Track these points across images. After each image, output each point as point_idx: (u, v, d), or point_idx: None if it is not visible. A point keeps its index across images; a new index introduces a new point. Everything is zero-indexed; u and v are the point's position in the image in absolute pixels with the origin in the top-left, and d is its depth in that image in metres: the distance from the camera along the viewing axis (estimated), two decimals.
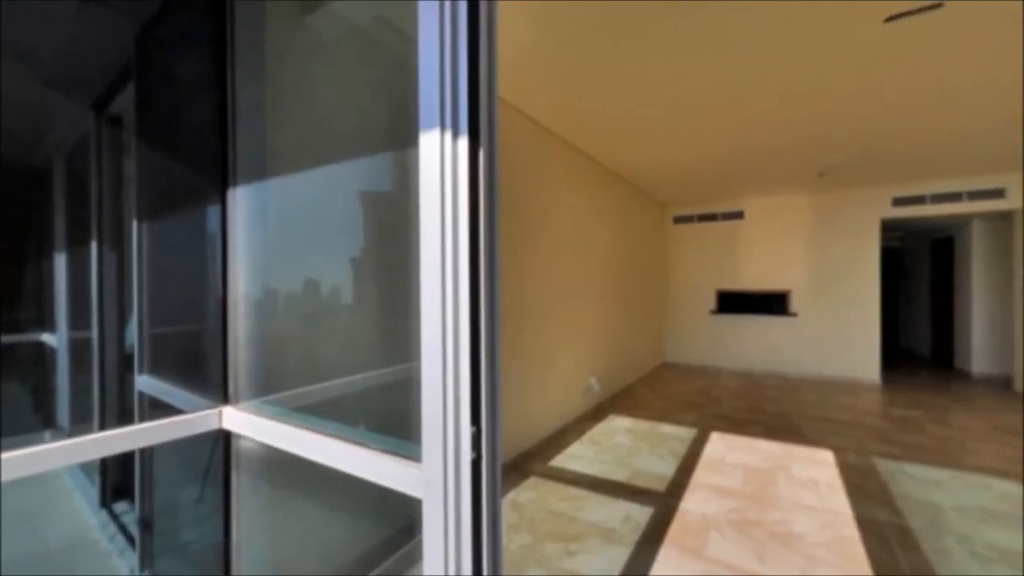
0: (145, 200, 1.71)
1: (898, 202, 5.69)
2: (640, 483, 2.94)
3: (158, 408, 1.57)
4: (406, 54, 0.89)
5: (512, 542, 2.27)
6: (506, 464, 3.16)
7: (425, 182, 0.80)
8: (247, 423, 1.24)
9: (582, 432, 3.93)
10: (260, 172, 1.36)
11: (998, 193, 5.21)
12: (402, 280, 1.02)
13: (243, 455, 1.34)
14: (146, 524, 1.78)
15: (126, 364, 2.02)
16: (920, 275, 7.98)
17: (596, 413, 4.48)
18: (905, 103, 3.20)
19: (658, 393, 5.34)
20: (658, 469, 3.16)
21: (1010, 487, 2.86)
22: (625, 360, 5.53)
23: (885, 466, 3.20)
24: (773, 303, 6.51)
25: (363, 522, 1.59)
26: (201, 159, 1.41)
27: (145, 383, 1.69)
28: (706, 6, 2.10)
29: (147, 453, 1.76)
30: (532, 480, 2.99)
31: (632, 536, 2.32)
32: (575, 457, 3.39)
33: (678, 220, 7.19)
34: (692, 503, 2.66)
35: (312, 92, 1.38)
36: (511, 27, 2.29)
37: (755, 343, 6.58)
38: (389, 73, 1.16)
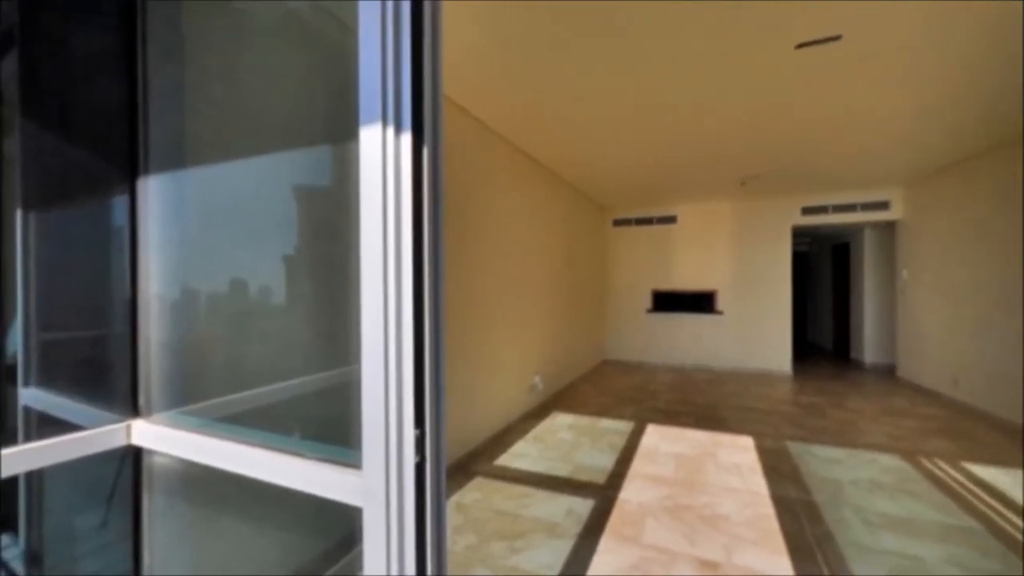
0: (32, 186, 1.49)
1: (806, 211, 6.35)
2: (582, 477, 3.04)
3: (50, 425, 1.37)
4: (345, 44, 0.85)
5: (457, 544, 2.25)
6: (451, 465, 3.13)
7: (366, 178, 0.77)
8: (161, 437, 1.12)
9: (527, 430, 3.99)
10: (178, 161, 1.24)
11: (884, 205, 5.98)
12: (341, 279, 0.98)
13: (157, 473, 1.21)
14: (34, 558, 1.55)
15: (8, 376, 1.75)
16: (823, 277, 8.96)
17: (540, 411, 4.56)
18: (812, 122, 3.57)
19: (599, 389, 5.54)
20: (599, 462, 3.28)
21: (894, 461, 3.29)
22: (568, 358, 5.68)
23: (795, 448, 3.55)
24: (702, 302, 7.00)
25: (298, 536, 1.50)
26: (105, 144, 1.25)
27: (32, 397, 1.47)
28: (636, 27, 2.21)
29: (35, 477, 1.54)
30: (477, 480, 2.98)
31: (575, 529, 2.39)
32: (520, 455, 3.43)
33: (617, 223, 7.51)
34: (630, 493, 2.79)
35: (240, 78, 1.28)
36: (456, 26, 2.27)
37: (686, 340, 7.03)
38: (327, 63, 1.11)
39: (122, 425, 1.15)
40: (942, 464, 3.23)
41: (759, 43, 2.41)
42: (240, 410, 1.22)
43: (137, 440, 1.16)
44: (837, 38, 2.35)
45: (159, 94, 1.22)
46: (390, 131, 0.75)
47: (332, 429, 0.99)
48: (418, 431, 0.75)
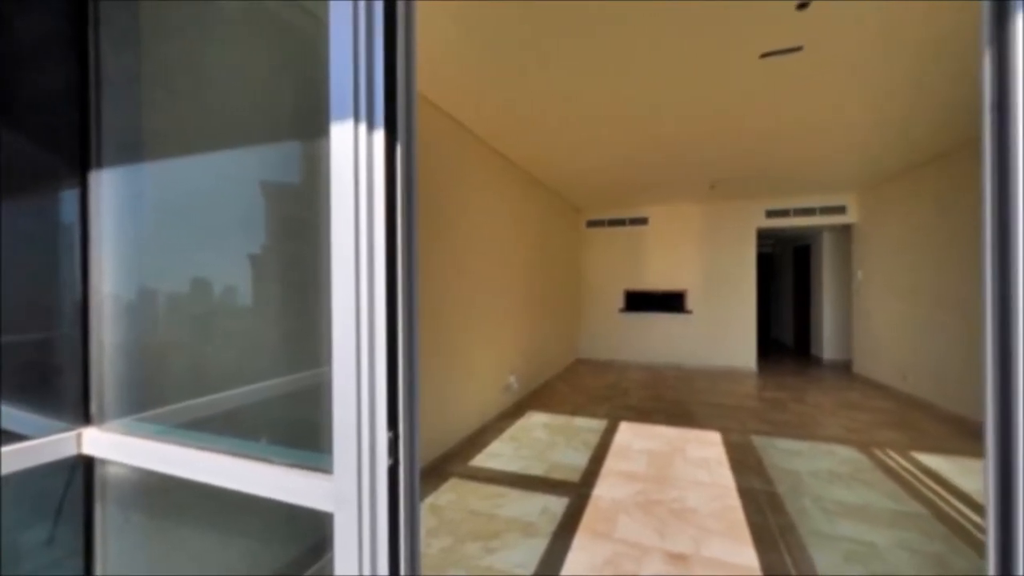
0: None
1: (770, 214, 6.61)
2: (557, 475, 3.06)
3: None
4: (315, 36, 0.82)
5: (431, 547, 2.23)
6: (426, 467, 3.09)
7: (337, 175, 0.75)
8: (116, 446, 1.06)
9: (502, 430, 3.99)
10: (134, 154, 1.18)
11: (841, 209, 6.30)
12: (310, 279, 0.95)
13: (111, 484, 1.14)
14: None
15: None
16: (785, 277, 9.35)
17: (515, 410, 4.57)
18: (776, 128, 3.72)
19: (573, 388, 5.60)
20: (573, 461, 3.31)
21: (850, 452, 3.47)
22: (542, 358, 5.72)
23: (760, 441, 3.69)
24: (672, 302, 7.19)
25: (264, 545, 1.45)
26: (52, 135, 1.17)
27: None
28: (608, 30, 2.25)
29: None
30: (452, 481, 2.96)
31: (549, 527, 2.40)
32: (495, 455, 3.43)
33: (591, 224, 7.61)
34: (603, 489, 2.83)
35: (202, 68, 1.22)
36: (432, 24, 2.25)
37: (657, 338, 7.20)
38: (296, 55, 1.07)
39: (72, 434, 1.08)
40: (892, 454, 3.43)
41: (726, 51, 2.49)
42: (203, 415, 1.17)
43: (89, 449, 1.09)
44: (798, 49, 2.45)
45: (113, 83, 1.16)
46: (362, 128, 0.73)
47: (302, 433, 0.97)
48: (391, 433, 0.73)
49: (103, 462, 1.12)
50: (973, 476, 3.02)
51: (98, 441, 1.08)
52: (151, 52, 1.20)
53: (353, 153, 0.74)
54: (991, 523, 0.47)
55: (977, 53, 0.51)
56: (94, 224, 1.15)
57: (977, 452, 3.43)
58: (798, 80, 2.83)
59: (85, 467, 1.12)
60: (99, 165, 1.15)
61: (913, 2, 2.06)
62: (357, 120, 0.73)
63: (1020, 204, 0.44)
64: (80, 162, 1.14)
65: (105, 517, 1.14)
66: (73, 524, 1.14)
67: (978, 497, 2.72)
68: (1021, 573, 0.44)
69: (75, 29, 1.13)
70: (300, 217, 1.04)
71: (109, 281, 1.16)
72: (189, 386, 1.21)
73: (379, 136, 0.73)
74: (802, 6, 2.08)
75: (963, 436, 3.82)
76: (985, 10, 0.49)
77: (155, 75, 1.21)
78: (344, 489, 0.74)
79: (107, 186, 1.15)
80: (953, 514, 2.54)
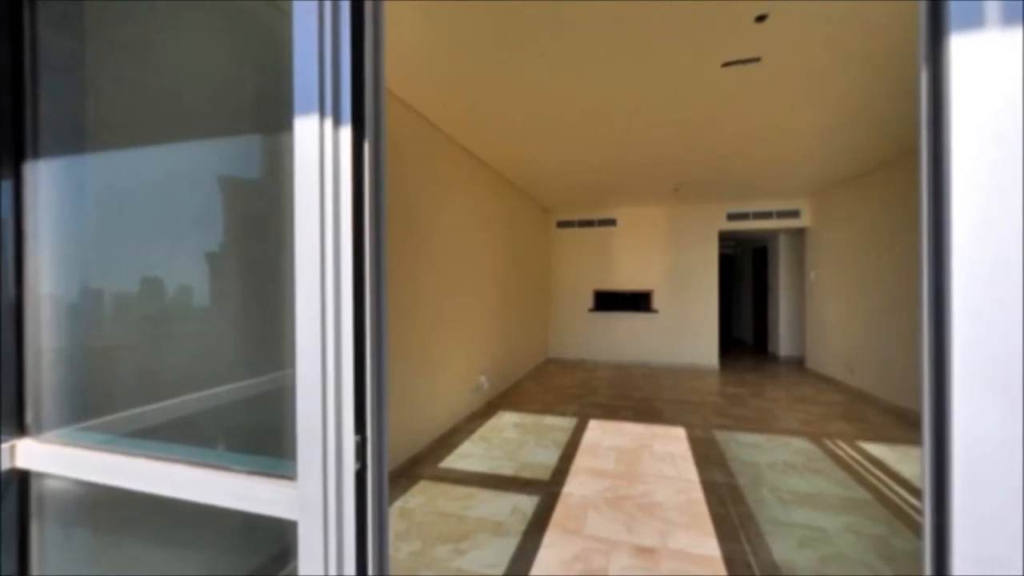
0: None
1: (731, 217, 6.89)
2: (527, 474, 3.08)
3: None
4: (278, 25, 0.80)
5: (400, 551, 2.20)
6: (394, 470, 3.04)
7: (301, 171, 0.72)
8: (56, 457, 0.98)
9: (473, 430, 3.97)
10: (76, 144, 1.10)
11: (796, 213, 6.64)
12: (273, 278, 0.91)
13: (49, 499, 1.06)
14: None
15: None
16: (745, 277, 9.77)
17: (486, 410, 4.56)
18: (737, 135, 3.88)
19: (543, 387, 5.65)
20: (543, 459, 3.34)
21: (803, 444, 3.66)
22: (513, 357, 5.73)
23: (722, 436, 3.84)
24: (639, 301, 7.37)
25: (223, 557, 1.38)
26: None
27: None
28: (575, 33, 2.28)
29: None
30: (422, 484, 2.93)
31: (520, 526, 2.41)
32: (465, 456, 3.41)
33: (561, 224, 7.69)
34: (573, 487, 2.87)
35: (153, 54, 1.15)
36: (400, 20, 2.21)
37: (625, 337, 7.36)
38: (258, 45, 1.03)
39: (4, 446, 1.00)
40: (841, 444, 3.65)
41: (690, 59, 2.58)
42: (154, 423, 1.10)
43: (23, 462, 1.01)
44: (756, 60, 2.57)
45: (53, 67, 1.08)
46: (328, 123, 0.71)
47: (263, 439, 0.93)
48: (359, 437, 0.72)
49: (40, 476, 1.04)
50: (912, 462, 3.26)
51: (34, 453, 1.00)
52: (96, 35, 1.12)
53: (318, 149, 0.72)
54: (927, 506, 0.51)
55: (915, 71, 0.55)
56: (30, 219, 1.06)
57: (915, 440, 3.70)
58: (756, 89, 2.96)
59: (19, 482, 1.03)
60: (35, 155, 1.06)
61: (856, 23, 2.20)
62: (323, 115, 0.71)
63: (952, 211, 0.48)
64: (14, 152, 1.05)
65: (43, 536, 1.06)
66: (5, 545, 1.05)
67: (916, 482, 2.94)
68: (954, 551, 0.47)
69: (8, 7, 1.04)
70: (261, 214, 1.00)
71: (47, 281, 1.07)
72: (139, 392, 1.14)
73: (346, 132, 0.71)
74: (760, 18, 2.18)
75: (903, 426, 4.11)
76: (921, 31, 0.53)
77: (100, 60, 1.13)
78: (308, 496, 0.72)
79: (45, 178, 1.07)
80: (895, 498, 2.72)
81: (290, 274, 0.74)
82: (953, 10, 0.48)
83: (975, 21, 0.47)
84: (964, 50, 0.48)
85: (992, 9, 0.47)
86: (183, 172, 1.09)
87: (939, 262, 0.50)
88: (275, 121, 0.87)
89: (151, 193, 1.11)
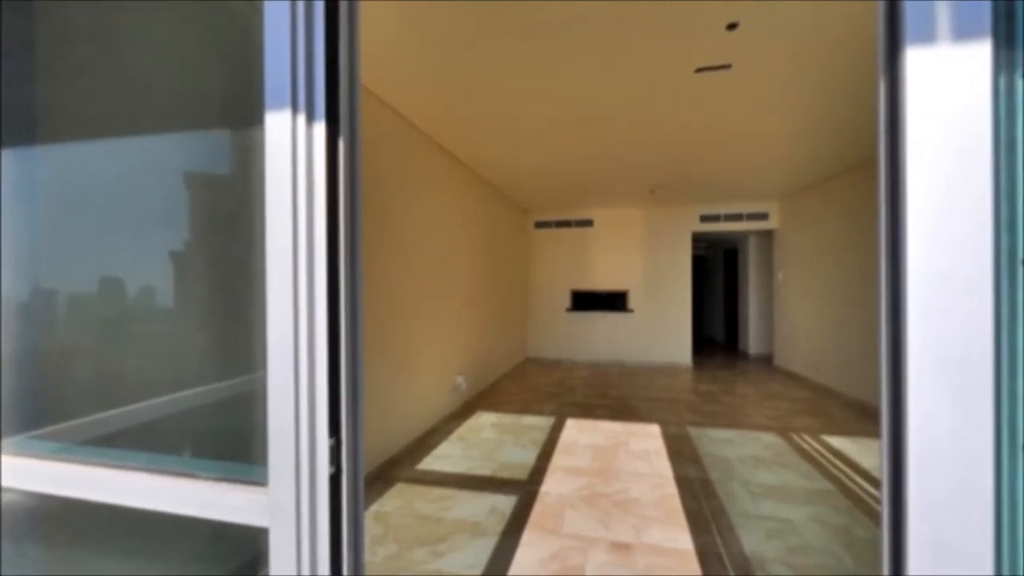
0: None
1: (704, 219, 7.07)
2: (505, 474, 3.08)
3: None
4: (250, 16, 0.77)
5: (376, 555, 2.16)
6: (370, 473, 2.99)
7: (273, 167, 0.70)
8: (5, 468, 0.92)
9: (450, 431, 3.95)
10: (27, 135, 1.03)
11: (764, 216, 6.87)
12: (243, 278, 0.88)
13: None
14: None
15: None
16: (716, 278, 10.06)
17: (464, 411, 4.54)
18: (709, 139, 3.99)
19: (521, 387, 5.66)
20: (521, 459, 3.35)
21: (772, 438, 3.80)
22: (491, 357, 5.72)
23: (695, 432, 3.94)
24: (616, 301, 7.48)
25: (189, 567, 1.33)
26: None
27: None
28: (551, 35, 2.30)
29: None
30: (398, 487, 2.89)
31: (498, 526, 2.41)
32: (443, 457, 3.39)
33: (539, 225, 7.73)
34: (551, 486, 2.89)
35: (112, 39, 1.10)
36: (377, 16, 2.17)
37: (602, 336, 7.46)
38: (228, 35, 0.99)
39: None
40: (807, 438, 3.80)
41: (665, 64, 2.63)
42: (114, 430, 1.05)
43: None
44: (728, 67, 2.65)
45: (1, 50, 1.01)
46: (301, 119, 0.69)
47: (232, 444, 0.90)
48: (333, 440, 0.70)
49: None
50: (871, 454, 3.42)
51: None
52: (48, 16, 1.06)
53: (291, 145, 0.70)
54: (885, 495, 0.54)
55: (874, 82, 0.57)
56: None
57: (875, 433, 3.89)
58: (727, 95, 3.05)
59: None
60: None
61: (819, 37, 2.29)
62: (295, 110, 0.69)
63: (908, 216, 0.51)
64: None
65: None
66: None
67: (875, 473, 3.09)
68: (909, 537, 0.50)
69: None
70: (230, 211, 0.97)
71: None
72: (97, 398, 1.09)
73: (319, 128, 0.70)
74: (731, 26, 2.25)
75: (864, 419, 4.31)
76: (880, 45, 0.55)
77: (54, 43, 1.07)
78: (280, 501, 0.70)
79: None
80: (856, 489, 2.85)
81: (261, 273, 0.72)
82: (909, 26, 0.51)
83: (929, 36, 0.50)
84: (919, 63, 0.51)
85: (944, 26, 0.50)
86: (145, 167, 1.04)
87: (896, 265, 0.53)
88: (245, 115, 0.84)
89: (110, 188, 1.06)
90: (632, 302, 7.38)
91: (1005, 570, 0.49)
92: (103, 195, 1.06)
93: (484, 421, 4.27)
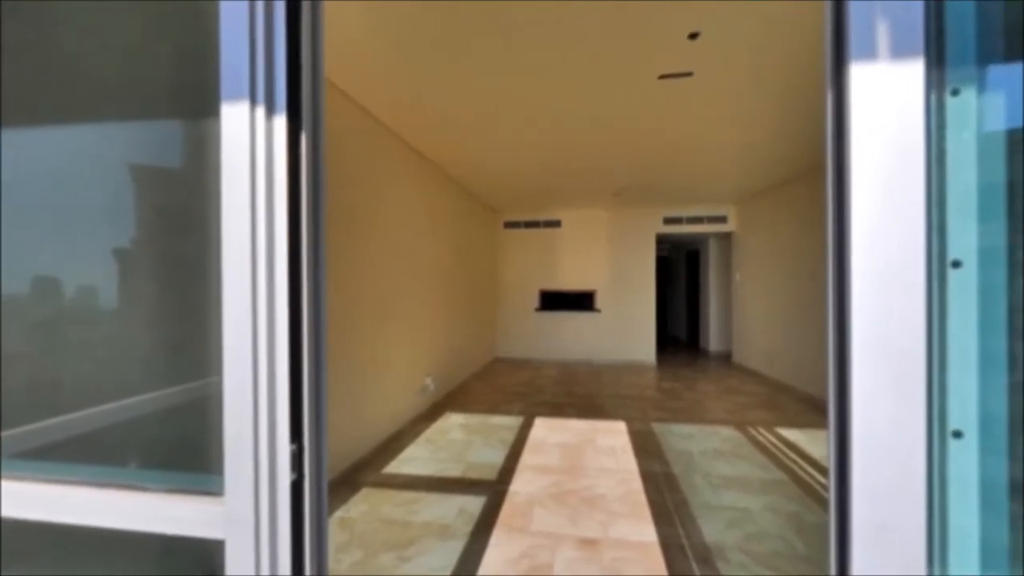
0: None
1: (667, 221, 7.30)
2: (473, 475, 3.07)
3: None
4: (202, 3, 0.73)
5: (341, 563, 2.10)
6: (335, 478, 2.90)
7: (229, 162, 0.67)
8: None
9: (418, 433, 3.89)
10: None
11: (723, 219, 7.17)
12: (195, 278, 0.84)
13: None
14: None
15: None
16: (679, 278, 10.41)
17: (432, 412, 4.49)
18: (672, 143, 4.12)
19: (490, 386, 5.66)
20: (490, 459, 3.34)
21: (730, 432, 3.96)
22: (459, 358, 5.69)
23: (659, 428, 4.06)
24: (583, 301, 7.61)
25: None
26: None
27: None
28: (518, 35, 2.31)
29: None
30: (364, 491, 2.82)
31: (466, 528, 2.40)
32: (410, 459, 3.34)
33: (508, 225, 7.75)
34: (519, 485, 2.90)
35: (48, 21, 1.01)
36: (341, 12, 2.11)
37: (570, 336, 7.57)
38: (179, 20, 0.94)
39: None
40: (762, 431, 3.99)
41: (629, 68, 2.70)
42: (50, 441, 0.97)
43: None
44: (689, 74, 2.74)
45: None
46: (260, 111, 0.67)
47: (184, 453, 0.85)
48: (295, 445, 0.68)
49: None
50: (820, 444, 3.64)
51: None
52: None
53: (249, 139, 0.67)
54: (832, 480, 0.57)
55: (822, 95, 0.61)
56: None
57: (823, 424, 4.13)
58: (688, 101, 3.17)
59: None
60: None
61: (774, 52, 2.42)
62: (254, 102, 0.67)
63: (852, 219, 0.54)
64: None
65: None
66: None
67: (824, 462, 3.28)
68: (853, 519, 0.54)
69: None
70: (182, 207, 0.91)
71: None
72: (29, 407, 1.00)
73: (280, 121, 0.67)
74: (693, 36, 2.33)
75: (814, 412, 4.58)
76: (827, 60, 0.59)
77: None
78: (237, 511, 0.67)
79: None
80: (806, 478, 3.02)
81: (216, 273, 0.68)
82: (853, 44, 0.55)
83: (871, 53, 0.54)
84: (861, 79, 0.54)
85: (884, 44, 0.54)
86: (85, 157, 0.97)
87: (841, 265, 0.56)
88: (199, 106, 0.80)
89: (43, 180, 0.98)
90: (599, 302, 7.52)
91: (935, 547, 0.53)
92: (34, 188, 0.98)
93: (453, 422, 4.23)
